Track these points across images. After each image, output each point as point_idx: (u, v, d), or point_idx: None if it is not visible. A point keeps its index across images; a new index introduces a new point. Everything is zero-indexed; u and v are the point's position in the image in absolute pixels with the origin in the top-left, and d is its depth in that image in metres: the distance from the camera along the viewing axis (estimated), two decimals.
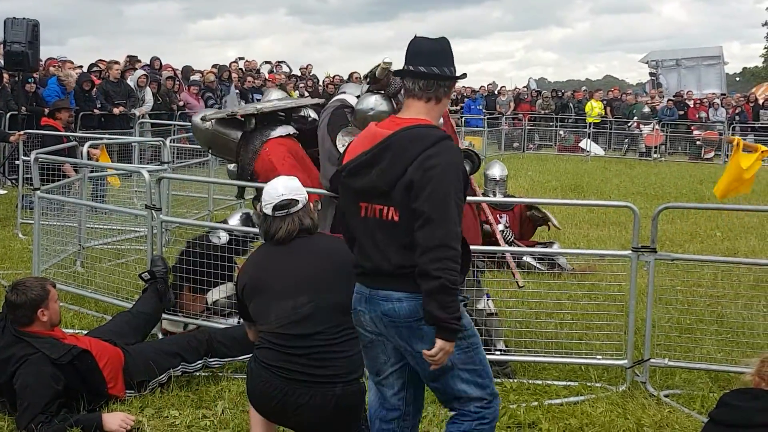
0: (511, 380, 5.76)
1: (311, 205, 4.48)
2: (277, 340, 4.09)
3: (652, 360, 5.75)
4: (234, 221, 6.84)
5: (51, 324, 5.07)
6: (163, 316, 6.30)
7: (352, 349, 4.11)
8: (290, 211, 4.28)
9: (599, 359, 5.91)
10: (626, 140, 27.02)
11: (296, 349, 4.05)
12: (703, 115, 27.41)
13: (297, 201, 4.31)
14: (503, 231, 9.48)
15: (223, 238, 6.49)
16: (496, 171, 10.14)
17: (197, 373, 5.64)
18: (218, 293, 6.37)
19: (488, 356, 5.83)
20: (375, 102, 5.33)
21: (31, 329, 4.98)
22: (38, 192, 7.77)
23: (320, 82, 24.19)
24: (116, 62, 17.59)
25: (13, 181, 13.63)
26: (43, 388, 4.78)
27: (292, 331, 4.08)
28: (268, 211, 4.31)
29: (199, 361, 5.53)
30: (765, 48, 68.64)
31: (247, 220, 6.84)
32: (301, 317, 4.09)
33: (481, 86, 29.66)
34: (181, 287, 6.44)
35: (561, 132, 27.28)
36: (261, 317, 4.20)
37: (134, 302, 6.25)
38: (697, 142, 26.33)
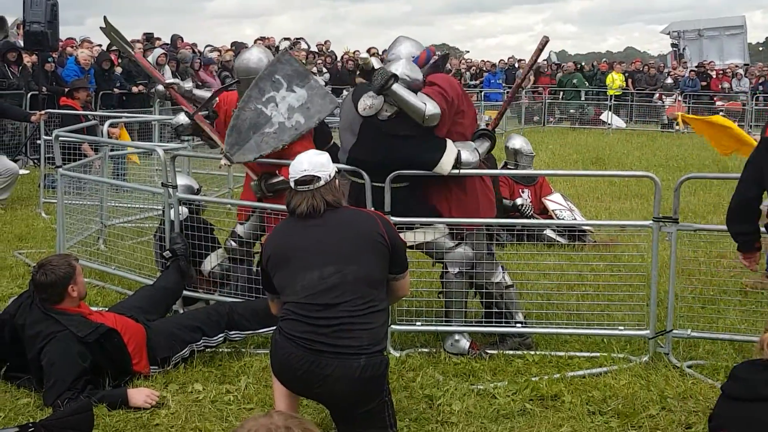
0: (533, 353, 5.75)
1: (336, 181, 4.46)
2: (303, 311, 4.09)
3: (674, 331, 5.72)
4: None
5: (80, 298, 5.13)
6: (184, 293, 6.35)
7: (375, 321, 4.13)
8: (311, 187, 4.28)
9: (621, 330, 5.88)
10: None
11: (321, 319, 4.05)
12: (726, 85, 27.14)
13: (319, 177, 4.30)
14: (522, 205, 9.46)
15: (183, 212, 6.53)
16: (518, 142, 10.08)
17: (220, 349, 5.67)
18: (211, 262, 6.49)
19: (509, 329, 5.90)
20: (369, 100, 5.53)
21: (61, 306, 5.03)
22: (60, 169, 7.82)
23: (339, 59, 24.11)
24: (138, 41, 17.60)
25: (35, 160, 13.73)
26: (70, 365, 4.82)
27: (318, 300, 4.08)
28: (291, 184, 4.32)
29: (221, 335, 5.56)
30: None
31: (189, 188, 6.96)
32: (328, 287, 4.09)
33: (501, 60, 29.50)
34: None
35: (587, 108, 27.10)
36: (287, 288, 4.20)
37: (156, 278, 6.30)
38: (721, 113, 26.07)
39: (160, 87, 6.87)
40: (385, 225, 4.40)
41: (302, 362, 4.03)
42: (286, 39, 24.54)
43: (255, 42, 22.08)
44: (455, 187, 5.77)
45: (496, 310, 5.93)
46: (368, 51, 21.42)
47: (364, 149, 5.68)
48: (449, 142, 5.59)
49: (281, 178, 6.14)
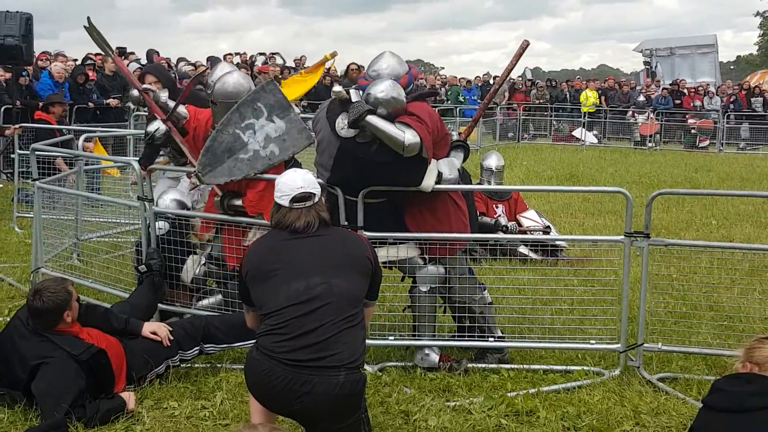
0: (508, 367, 5.78)
1: (323, 199, 4.49)
2: (284, 322, 4.07)
3: (645, 345, 5.78)
4: (169, 203, 6.80)
5: (72, 321, 5.08)
6: (159, 306, 6.33)
7: (355, 337, 4.14)
8: (308, 204, 4.31)
9: (593, 344, 5.94)
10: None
11: (302, 331, 4.03)
12: (698, 103, 27.45)
13: (314, 194, 4.34)
14: (506, 227, 9.51)
15: (164, 227, 6.50)
16: (492, 161, 10.15)
17: (196, 364, 5.66)
18: (190, 271, 6.46)
19: (483, 343, 5.92)
20: (345, 122, 5.52)
21: (55, 328, 5.00)
22: (37, 183, 7.78)
23: None
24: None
25: (8, 174, 13.62)
26: (69, 385, 4.79)
27: (301, 310, 4.07)
28: (284, 202, 4.32)
29: (196, 348, 5.54)
30: (759, 36, 68.78)
31: (179, 203, 6.89)
32: (313, 297, 4.09)
33: (476, 76, 29.65)
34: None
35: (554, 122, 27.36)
36: (269, 301, 4.17)
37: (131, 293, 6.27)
38: (692, 131, 26.36)
39: (135, 92, 6.83)
40: (372, 250, 4.46)
41: (280, 379, 4.01)
42: (261, 54, 24.56)
43: (225, 57, 21.94)
44: (425, 209, 5.78)
45: (471, 325, 5.95)
46: (349, 67, 21.22)
47: (342, 173, 5.63)
48: (433, 161, 5.61)
49: (241, 202, 6.20)
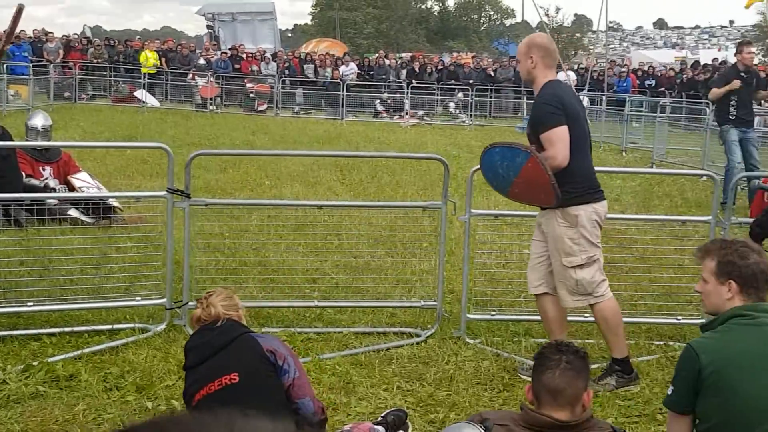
0: (49, 332, 5.55)
1: None
2: None
3: (190, 303, 5.87)
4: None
5: None
6: None
7: None
8: None
9: (138, 300, 5.93)
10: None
11: None
12: (256, 68, 28.39)
13: None
14: (55, 189, 9.06)
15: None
16: (38, 120, 9.65)
17: None
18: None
19: None
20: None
21: None
22: None
23: None
24: None
25: None
26: None
27: None
28: None
29: None
30: (312, 7, 73.07)
31: None
32: None
33: (21, 30, 27.83)
34: None
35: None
36: None
37: None
38: (251, 95, 27.20)
39: None
40: None
41: None
42: None
43: None
44: None
45: None
46: None
47: None
48: None
49: None
